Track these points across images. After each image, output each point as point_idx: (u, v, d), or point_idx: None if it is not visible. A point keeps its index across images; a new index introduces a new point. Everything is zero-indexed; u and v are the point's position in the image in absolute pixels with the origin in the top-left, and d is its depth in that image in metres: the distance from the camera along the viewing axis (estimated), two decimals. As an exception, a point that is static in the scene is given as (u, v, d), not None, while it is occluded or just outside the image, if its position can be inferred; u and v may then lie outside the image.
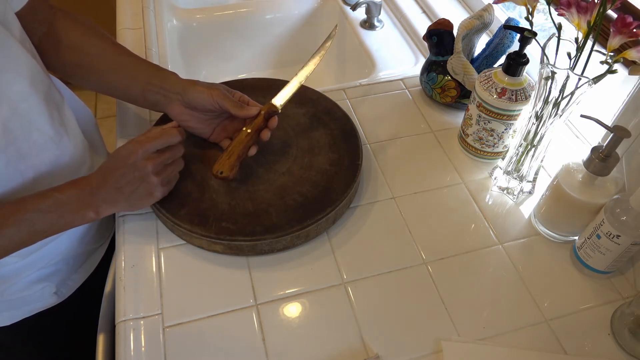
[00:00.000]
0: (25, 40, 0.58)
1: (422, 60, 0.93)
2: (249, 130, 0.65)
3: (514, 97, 0.67)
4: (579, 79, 0.56)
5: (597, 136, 0.74)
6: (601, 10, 0.53)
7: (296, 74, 0.71)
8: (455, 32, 0.80)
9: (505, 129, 0.71)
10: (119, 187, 0.57)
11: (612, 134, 0.56)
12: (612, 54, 0.54)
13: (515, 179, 0.71)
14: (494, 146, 0.74)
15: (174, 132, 0.60)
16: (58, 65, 0.65)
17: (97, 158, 0.74)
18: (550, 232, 0.67)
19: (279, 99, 0.69)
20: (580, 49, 0.57)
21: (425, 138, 0.80)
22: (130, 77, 0.67)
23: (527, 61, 0.66)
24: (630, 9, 0.70)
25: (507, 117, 0.69)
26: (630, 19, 0.51)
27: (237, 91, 0.69)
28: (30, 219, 0.54)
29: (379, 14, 1.05)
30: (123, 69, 0.67)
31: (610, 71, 0.55)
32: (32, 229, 0.54)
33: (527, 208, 0.71)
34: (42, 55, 0.62)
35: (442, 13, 1.01)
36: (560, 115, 0.62)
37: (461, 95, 0.81)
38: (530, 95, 0.68)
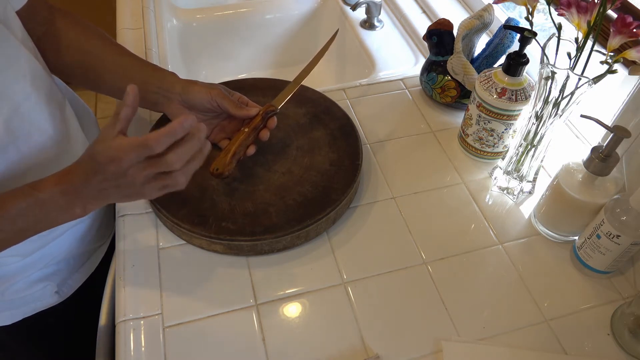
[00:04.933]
0: (26, 39, 0.58)
1: (422, 60, 0.93)
2: (246, 129, 0.65)
3: (514, 97, 0.67)
4: (579, 79, 0.56)
5: (597, 136, 0.74)
6: (601, 10, 0.53)
7: (297, 75, 0.71)
8: (455, 32, 0.80)
9: (505, 129, 0.71)
10: (103, 189, 0.52)
11: (612, 134, 0.56)
12: (612, 54, 0.54)
13: (515, 179, 0.71)
14: (494, 146, 0.74)
15: (152, 143, 0.48)
16: (57, 65, 0.65)
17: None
18: (550, 232, 0.67)
19: (278, 100, 0.69)
20: (580, 49, 0.57)
21: (425, 138, 0.80)
22: (128, 77, 0.66)
23: (527, 61, 0.66)
24: (630, 9, 0.70)
25: (507, 117, 0.69)
26: (630, 19, 0.51)
27: (237, 92, 0.69)
28: (11, 219, 0.51)
29: (379, 14, 1.05)
30: (122, 69, 0.67)
31: (610, 71, 0.55)
32: (16, 227, 0.52)
33: (527, 208, 0.71)
34: (42, 55, 0.62)
35: (442, 13, 1.01)
36: (560, 115, 0.62)
37: (461, 95, 0.81)
38: (530, 95, 0.68)
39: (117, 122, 0.51)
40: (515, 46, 0.68)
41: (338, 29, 0.79)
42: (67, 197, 0.52)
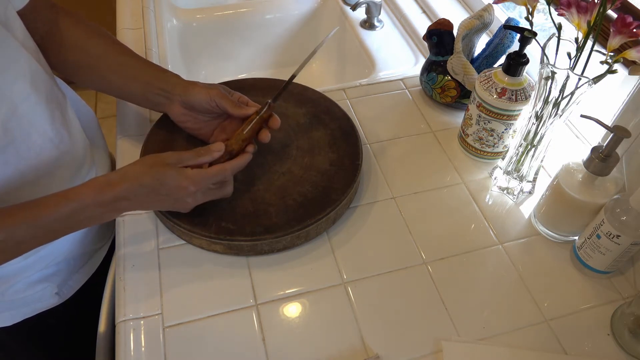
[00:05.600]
0: (27, 40, 0.58)
1: (422, 60, 0.93)
2: (247, 135, 0.64)
3: (514, 97, 0.67)
4: (579, 79, 0.56)
5: (597, 136, 0.74)
6: (601, 10, 0.53)
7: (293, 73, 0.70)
8: (455, 32, 0.80)
9: (505, 129, 0.71)
10: (147, 206, 0.58)
11: (612, 134, 0.56)
12: (612, 54, 0.54)
13: (515, 179, 0.71)
14: (494, 146, 0.74)
15: (227, 170, 0.59)
16: (60, 64, 0.65)
17: (99, 158, 0.74)
18: (550, 232, 0.67)
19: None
20: (580, 49, 0.57)
21: (425, 138, 0.80)
22: (130, 77, 0.67)
23: (527, 61, 0.66)
24: (630, 9, 0.70)
25: (507, 117, 0.69)
26: (630, 19, 0.51)
27: (237, 92, 0.69)
28: (43, 227, 0.52)
29: (379, 14, 1.05)
30: (124, 69, 0.67)
31: (610, 71, 0.55)
32: (47, 232, 0.53)
33: (527, 208, 0.71)
34: (45, 54, 0.62)
35: (442, 13, 1.01)
36: (560, 115, 0.62)
37: (461, 95, 0.81)
38: (530, 95, 0.68)
39: (200, 157, 0.58)
40: (515, 46, 0.68)
41: (338, 27, 0.78)
42: (102, 208, 0.54)
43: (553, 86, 0.60)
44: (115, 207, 0.54)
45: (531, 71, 0.82)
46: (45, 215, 0.51)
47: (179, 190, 0.56)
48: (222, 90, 0.66)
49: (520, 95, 0.67)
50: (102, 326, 0.64)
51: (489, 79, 0.69)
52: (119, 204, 0.54)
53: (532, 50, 0.67)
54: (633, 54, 0.54)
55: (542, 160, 0.69)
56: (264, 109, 0.65)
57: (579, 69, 0.57)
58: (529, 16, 0.60)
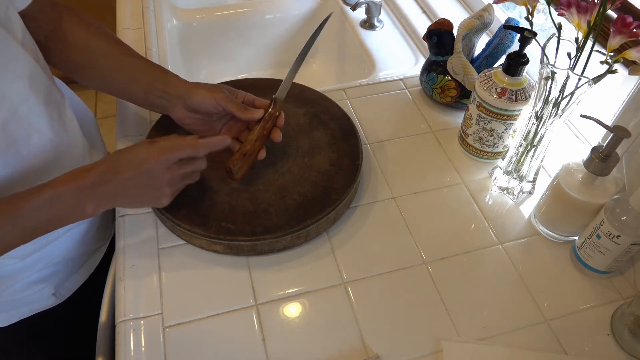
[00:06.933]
0: (27, 40, 0.57)
1: (422, 60, 0.93)
2: (256, 131, 0.65)
3: (514, 97, 0.67)
4: (579, 79, 0.56)
5: (597, 136, 0.74)
6: (601, 10, 0.53)
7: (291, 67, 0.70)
8: (455, 32, 0.80)
9: (505, 129, 0.71)
10: (124, 189, 0.56)
11: (612, 134, 0.56)
12: (612, 54, 0.54)
13: (515, 179, 0.71)
14: (494, 146, 0.74)
15: (199, 145, 0.58)
16: (63, 63, 0.65)
17: (98, 158, 0.74)
18: (550, 232, 0.67)
19: (280, 92, 0.68)
20: (580, 49, 0.57)
21: (425, 138, 0.80)
22: (132, 78, 0.66)
23: (527, 61, 0.66)
24: (630, 9, 0.70)
25: (507, 117, 0.69)
26: (630, 19, 0.51)
27: (241, 90, 0.68)
28: (24, 217, 0.51)
29: (379, 14, 1.05)
30: (126, 70, 0.66)
31: (610, 71, 0.55)
32: (28, 225, 0.52)
33: (527, 208, 0.71)
34: (49, 53, 0.62)
35: (442, 13, 1.01)
36: (560, 115, 0.62)
37: (461, 95, 0.81)
38: (530, 95, 0.68)
39: (182, 140, 0.58)
40: (515, 46, 0.68)
41: (332, 12, 0.77)
42: (82, 195, 0.53)
43: (553, 86, 0.60)
44: (95, 194, 0.54)
45: (531, 71, 0.82)
46: (23, 204, 0.51)
47: (149, 161, 0.55)
48: (227, 91, 0.65)
49: (520, 95, 0.67)
50: (101, 327, 0.64)
51: (489, 79, 0.69)
52: (99, 190, 0.54)
53: (532, 50, 0.67)
54: (633, 54, 0.54)
55: (542, 160, 0.69)
56: (271, 106, 0.65)
57: (579, 69, 0.57)
58: (529, 16, 0.60)
